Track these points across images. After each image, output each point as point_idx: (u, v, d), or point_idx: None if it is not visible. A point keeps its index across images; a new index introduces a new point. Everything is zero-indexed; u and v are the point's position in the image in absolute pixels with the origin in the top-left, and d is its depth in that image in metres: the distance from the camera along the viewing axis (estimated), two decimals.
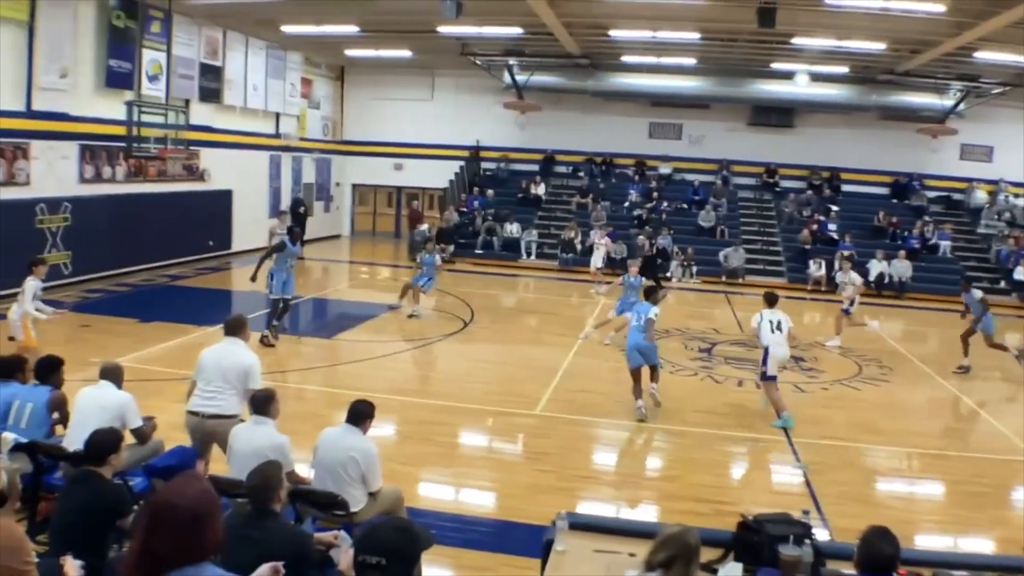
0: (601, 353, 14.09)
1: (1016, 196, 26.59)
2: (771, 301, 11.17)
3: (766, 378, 10.68)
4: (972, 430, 11.32)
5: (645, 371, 10.65)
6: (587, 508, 7.55)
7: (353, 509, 5.66)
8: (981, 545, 7.58)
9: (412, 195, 29.53)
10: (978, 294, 14.57)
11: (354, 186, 30.94)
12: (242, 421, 6.51)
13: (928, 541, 7.39)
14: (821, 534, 6.75)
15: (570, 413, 10.58)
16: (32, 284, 10.15)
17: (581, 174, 28.43)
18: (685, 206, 26.78)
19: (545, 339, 14.29)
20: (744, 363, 13.75)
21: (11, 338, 10.15)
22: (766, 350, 10.59)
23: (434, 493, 7.87)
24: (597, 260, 22.81)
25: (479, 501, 7.80)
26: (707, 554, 4.81)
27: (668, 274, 22.79)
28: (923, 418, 11.79)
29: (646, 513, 7.64)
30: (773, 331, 10.67)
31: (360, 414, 6.02)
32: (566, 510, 5.17)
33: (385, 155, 29.64)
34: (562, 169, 28.98)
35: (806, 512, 4.99)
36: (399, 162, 29.51)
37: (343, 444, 5.87)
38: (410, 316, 16.03)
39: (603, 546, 4.95)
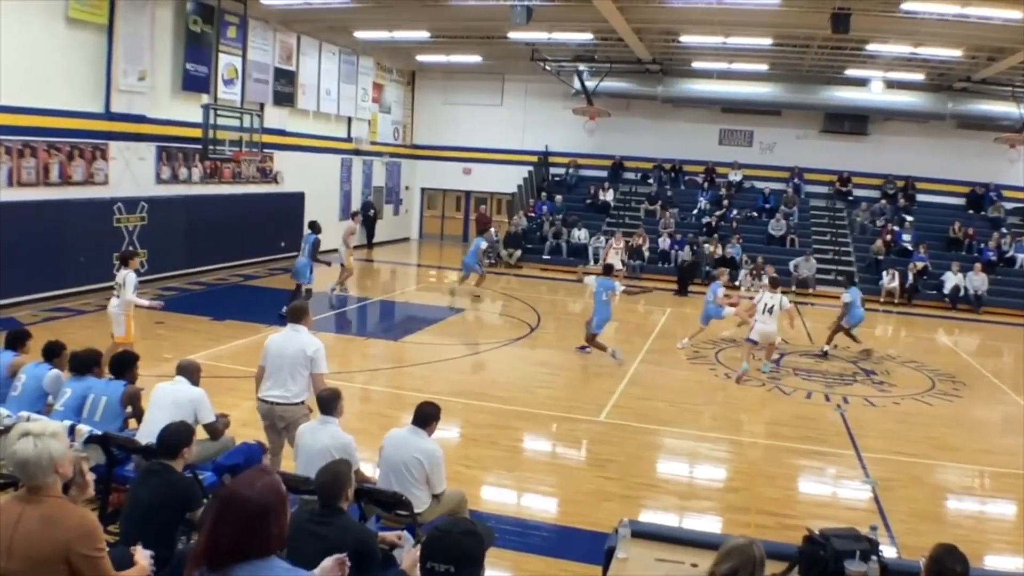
0: (666, 361, 14.02)
1: None
2: (774, 285, 13.70)
3: (748, 339, 13.30)
4: None
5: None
6: (649, 517, 7.53)
7: (417, 510, 5.72)
8: None
9: (480, 199, 29.73)
10: None
11: (423, 190, 31.25)
12: (310, 410, 6.68)
13: (999, 562, 7.21)
14: (888, 551, 6.63)
15: (634, 421, 10.55)
16: (131, 277, 10.40)
17: (650, 180, 28.28)
18: (755, 214, 26.47)
19: (615, 346, 14.23)
20: (813, 375, 13.56)
21: (113, 335, 10.41)
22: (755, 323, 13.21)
23: (497, 497, 7.92)
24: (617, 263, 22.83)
25: (541, 506, 7.81)
26: (771, 567, 4.76)
27: (736, 282, 22.50)
28: (996, 436, 11.46)
29: (709, 524, 7.57)
30: (764, 312, 13.09)
31: (426, 416, 6.09)
32: (628, 518, 5.16)
33: (454, 159, 29.92)
34: (631, 176, 28.86)
35: (874, 528, 4.92)
36: (468, 166, 29.73)
37: (408, 445, 5.94)
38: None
39: (665, 555, 4.94)
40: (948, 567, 3.87)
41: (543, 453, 9.61)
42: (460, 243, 29.96)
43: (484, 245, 19.15)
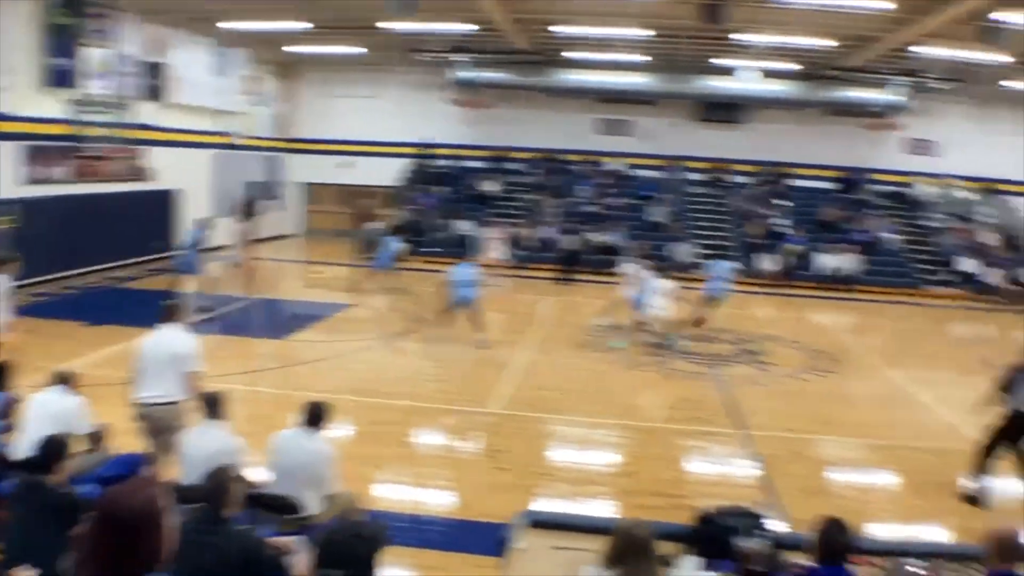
0: (555, 350, 14.11)
1: (961, 190, 27.19)
2: (660, 271, 14.63)
3: (638, 321, 14.17)
4: (922, 421, 11.46)
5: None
6: (547, 505, 7.53)
7: (309, 513, 5.58)
8: (936, 534, 7.70)
9: (363, 193, 29.30)
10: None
11: (305, 184, 30.60)
12: (189, 411, 6.46)
13: (884, 530, 7.49)
14: (779, 525, 6.80)
15: (526, 410, 10.57)
16: (3, 282, 9.75)
17: (533, 171, 28.40)
18: (636, 202, 26.86)
19: (501, 336, 14.23)
20: (699, 357, 13.86)
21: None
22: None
23: (392, 494, 7.79)
24: (497, 255, 23.05)
25: (437, 500, 7.72)
26: (667, 548, 4.83)
27: (620, 270, 22.74)
28: (874, 409, 11.95)
29: (605, 509, 7.63)
30: (648, 292, 13.78)
31: (315, 416, 5.95)
32: (525, 508, 5.14)
33: (336, 153, 29.38)
34: (514, 166, 28.92)
35: (761, 505, 5.03)
36: (349, 160, 29.25)
37: (299, 447, 5.79)
38: None
39: (563, 543, 4.94)
40: (833, 538, 3.99)
41: (436, 447, 9.51)
42: (345, 238, 29.46)
43: (398, 247, 18.84)
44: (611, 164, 28.27)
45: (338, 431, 8.06)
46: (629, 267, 16.08)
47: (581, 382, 12.18)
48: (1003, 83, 23.42)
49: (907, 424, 11.15)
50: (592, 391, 11.81)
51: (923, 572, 4.69)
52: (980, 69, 21.53)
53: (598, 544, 4.27)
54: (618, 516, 7.16)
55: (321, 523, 5.41)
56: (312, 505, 5.68)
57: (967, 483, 8.46)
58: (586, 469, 8.89)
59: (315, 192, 30.87)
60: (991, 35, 16.35)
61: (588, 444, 9.64)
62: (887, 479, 9.16)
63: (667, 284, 13.71)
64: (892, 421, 11.24)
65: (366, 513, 5.18)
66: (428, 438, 9.73)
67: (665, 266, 15.94)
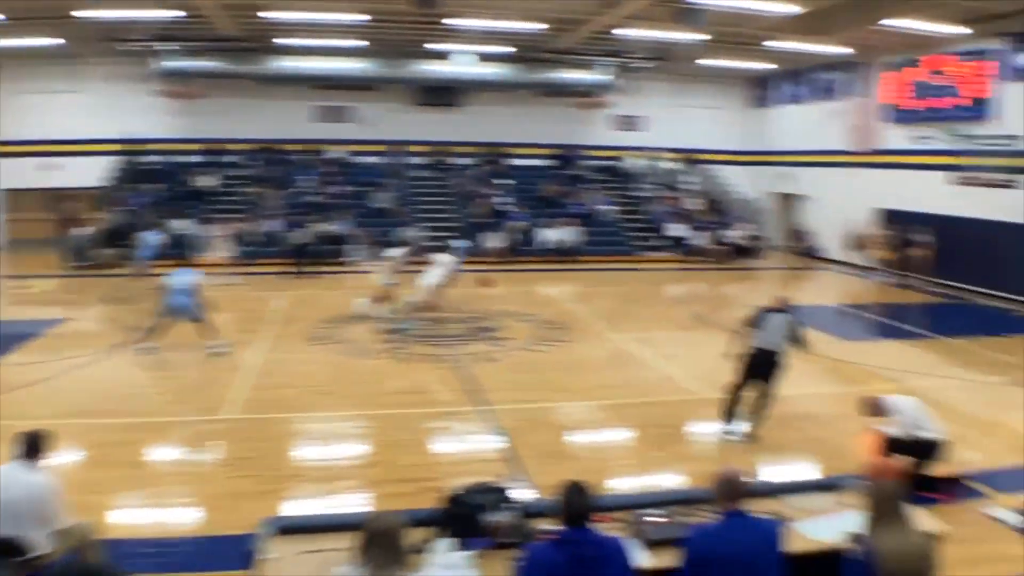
0: (291, 347, 13.71)
1: (665, 161, 29.36)
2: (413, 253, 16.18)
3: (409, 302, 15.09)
4: (649, 377, 12.22)
5: None
6: (294, 508, 7.28)
7: (37, 552, 5.04)
8: (672, 480, 8.21)
9: (69, 197, 26.87)
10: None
11: (7, 191, 27.42)
12: None
13: (621, 483, 7.89)
14: (526, 495, 6.96)
15: (265, 412, 10.16)
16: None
17: (252, 163, 27.36)
18: (360, 189, 26.61)
19: (233, 337, 13.59)
20: (436, 339, 13.98)
21: None
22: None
23: (129, 519, 7.16)
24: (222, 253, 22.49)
25: (178, 519, 7.19)
26: (419, 534, 4.79)
27: (350, 257, 22.55)
28: (603, 371, 12.59)
29: (355, 504, 7.48)
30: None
31: (33, 446, 5.38)
32: (272, 515, 4.91)
33: (37, 154, 26.66)
34: (232, 159, 27.69)
35: (507, 478, 5.11)
36: (53, 161, 26.62)
37: (16, 482, 5.21)
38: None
39: (313, 546, 4.77)
40: (574, 501, 4.12)
41: (171, 463, 8.87)
42: (53, 247, 27.00)
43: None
44: (332, 152, 27.82)
45: (61, 459, 7.36)
46: (440, 256, 16.32)
47: (318, 376, 11.90)
48: (699, 61, 25.45)
49: (635, 382, 11.84)
50: (330, 384, 11.55)
51: (660, 520, 4.96)
52: (678, 48, 23.23)
53: (348, 542, 4.15)
54: (367, 510, 7.05)
55: (53, 562, 4.91)
56: (41, 543, 5.13)
57: (722, 427, 9.27)
58: (332, 465, 8.67)
59: (15, 199, 27.84)
60: (686, 16, 17.68)
61: (331, 439, 9.41)
62: (623, 436, 9.70)
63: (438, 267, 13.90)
64: (622, 381, 11.89)
65: (102, 544, 4.75)
66: (161, 454, 9.07)
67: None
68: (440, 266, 15.58)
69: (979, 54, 19.77)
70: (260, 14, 19.50)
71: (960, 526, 7.19)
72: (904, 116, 22.97)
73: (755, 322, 9.43)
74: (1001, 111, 19.11)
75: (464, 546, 4.65)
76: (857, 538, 4.61)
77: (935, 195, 21.37)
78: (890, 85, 23.32)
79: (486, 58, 24.97)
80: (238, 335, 13.66)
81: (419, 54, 25.19)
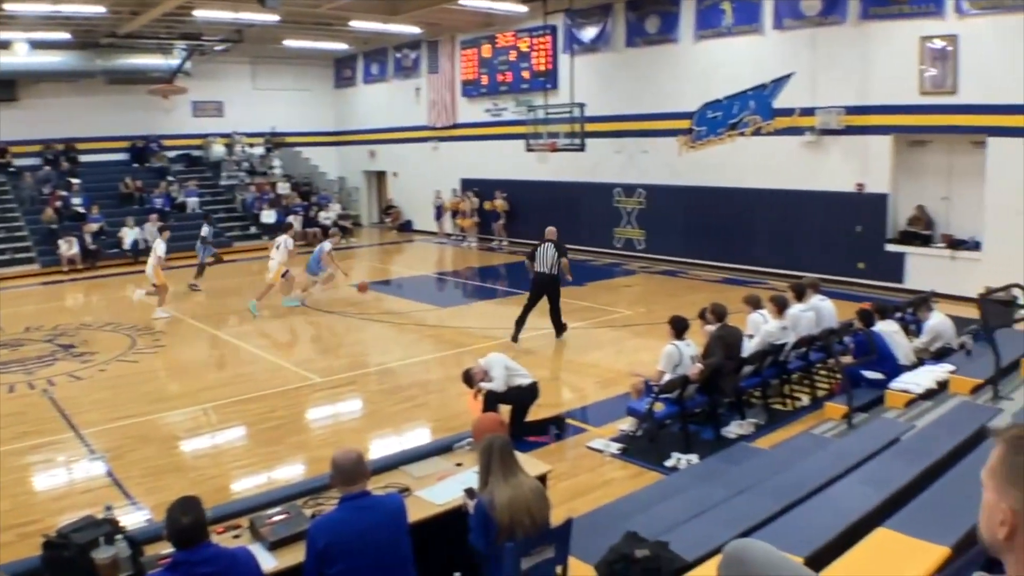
0: None
1: (251, 146, 28.56)
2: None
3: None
4: (257, 370, 11.85)
5: None
6: None
7: None
8: (292, 472, 8.03)
9: None
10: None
11: None
12: None
13: (243, 486, 7.61)
14: (137, 518, 6.52)
15: None
16: None
17: None
18: None
19: None
20: (12, 364, 12.40)
21: None
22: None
23: None
24: None
25: None
26: None
27: None
28: (209, 372, 12.05)
29: None
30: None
31: None
32: None
33: None
34: None
35: (109, 507, 4.71)
36: None
37: None
38: None
39: None
40: (176, 520, 3.77)
41: None
42: None
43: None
44: None
45: None
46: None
47: None
48: (285, 43, 25.01)
49: (243, 378, 11.44)
50: None
51: (280, 518, 4.81)
52: (255, 29, 22.63)
53: None
54: None
55: None
56: None
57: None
58: None
59: None
60: None
61: None
62: (237, 436, 9.33)
63: None
64: (229, 379, 11.46)
65: None
66: None
67: None
68: None
69: (544, 30, 21.50)
70: None
71: (565, 462, 7.93)
72: (480, 90, 24.46)
73: (532, 256, 12.73)
74: (564, 82, 20.92)
75: None
76: (472, 493, 4.84)
77: (513, 163, 23.03)
78: (467, 61, 24.70)
79: (43, 45, 22.47)
80: None
81: None
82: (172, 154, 27.49)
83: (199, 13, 20.21)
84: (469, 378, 8.53)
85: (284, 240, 16.07)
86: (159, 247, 15.82)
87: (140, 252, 22.22)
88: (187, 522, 3.74)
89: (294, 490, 5.54)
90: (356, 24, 22.70)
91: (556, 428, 8.72)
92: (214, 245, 19.61)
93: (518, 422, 8.37)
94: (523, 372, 8.62)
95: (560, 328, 12.84)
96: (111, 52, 24.21)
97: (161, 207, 24.18)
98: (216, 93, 28.11)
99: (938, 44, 14.83)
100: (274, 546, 4.56)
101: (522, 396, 8.48)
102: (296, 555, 4.40)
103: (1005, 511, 1.66)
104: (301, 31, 23.90)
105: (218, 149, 28.12)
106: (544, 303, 12.65)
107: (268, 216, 25.41)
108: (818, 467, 5.77)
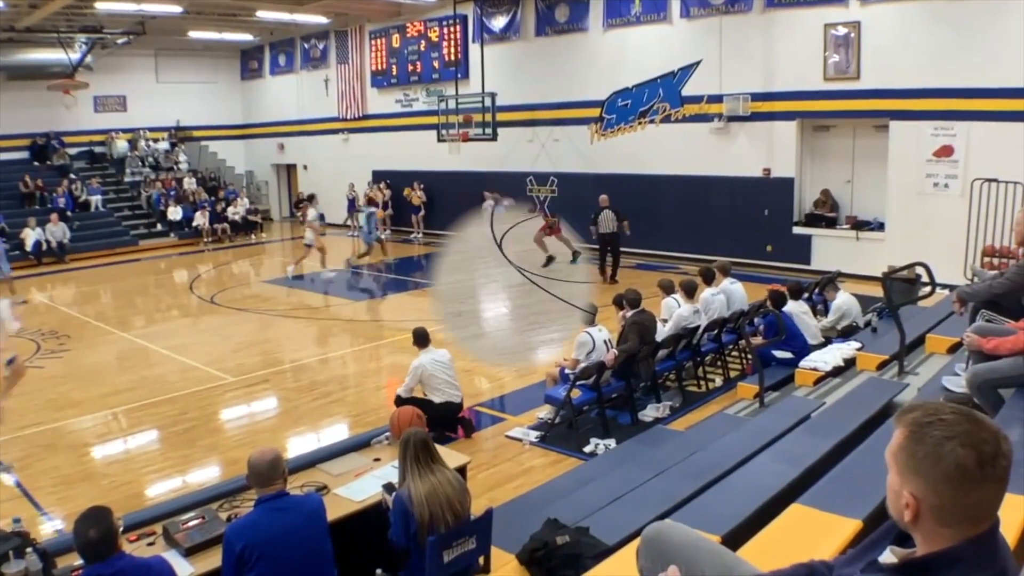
0: None
1: (155, 141, 27.79)
2: None
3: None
4: (167, 372, 11.57)
5: None
6: None
7: None
8: (207, 475, 7.88)
9: None
10: None
11: None
12: None
13: (157, 491, 7.46)
14: (48, 532, 6.35)
15: None
16: None
17: None
18: None
19: None
20: None
21: None
22: None
23: None
24: None
25: None
26: None
27: None
28: (117, 375, 11.71)
29: None
30: None
31: None
32: None
33: None
34: None
35: (17, 520, 4.57)
36: None
37: None
38: None
39: None
40: (83, 532, 3.65)
41: None
42: None
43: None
44: None
45: None
46: None
47: None
48: (189, 34, 24.36)
49: (153, 380, 11.13)
50: None
51: (195, 523, 4.73)
52: (158, 21, 22.02)
53: None
54: None
55: None
56: None
57: None
58: None
59: None
60: None
61: None
62: (148, 440, 9.10)
63: None
64: (139, 382, 11.13)
65: None
66: None
67: None
68: None
69: (454, 19, 21.41)
70: None
71: (484, 452, 7.97)
72: (390, 80, 24.28)
73: (596, 219, 16.06)
74: (475, 71, 20.87)
75: None
76: (391, 488, 4.84)
77: (425, 154, 22.89)
78: (376, 52, 24.46)
79: None
80: None
81: None
82: (74, 151, 26.47)
83: (101, 5, 19.57)
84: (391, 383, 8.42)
85: (312, 213, 18.22)
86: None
87: (43, 254, 21.50)
88: (95, 535, 3.62)
89: (209, 494, 5.45)
90: (262, 14, 22.33)
91: (472, 419, 8.76)
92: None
93: (436, 416, 8.34)
94: (454, 385, 8.50)
95: (614, 277, 16.05)
96: (9, 47, 23.18)
97: (64, 206, 23.36)
98: (119, 87, 27.15)
99: (841, 31, 15.27)
100: (190, 552, 4.49)
101: (447, 412, 8.35)
102: (213, 560, 4.33)
103: (908, 497, 1.71)
104: (206, 22, 23.35)
105: (121, 145, 27.21)
106: None
107: (175, 213, 24.80)
108: (733, 446, 5.90)
